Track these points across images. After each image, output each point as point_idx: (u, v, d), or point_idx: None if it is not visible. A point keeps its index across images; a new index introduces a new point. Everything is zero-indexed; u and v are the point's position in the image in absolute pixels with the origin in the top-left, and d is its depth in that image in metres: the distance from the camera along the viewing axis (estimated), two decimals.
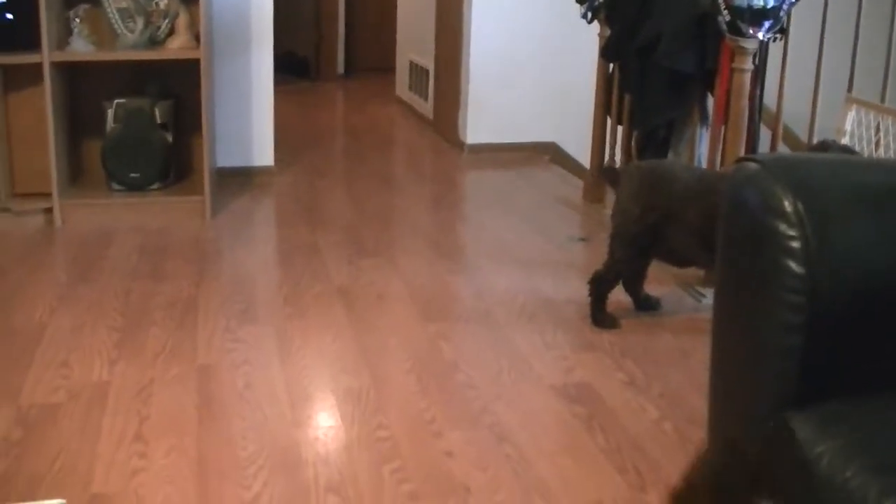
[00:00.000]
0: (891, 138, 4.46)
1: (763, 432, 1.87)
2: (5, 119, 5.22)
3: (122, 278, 4.40)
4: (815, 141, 4.51)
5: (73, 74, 5.30)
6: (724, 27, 4.07)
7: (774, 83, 4.53)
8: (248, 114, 6.01)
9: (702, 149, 4.80)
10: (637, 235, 3.90)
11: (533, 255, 4.84)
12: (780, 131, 4.67)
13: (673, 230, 3.82)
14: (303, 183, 6.21)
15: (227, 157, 5.93)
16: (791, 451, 1.78)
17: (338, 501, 2.72)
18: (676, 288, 4.40)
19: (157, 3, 5.25)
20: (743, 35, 4.04)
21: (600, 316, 3.96)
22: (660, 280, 4.33)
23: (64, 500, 2.67)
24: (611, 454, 2.98)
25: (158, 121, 5.26)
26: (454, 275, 4.62)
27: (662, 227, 3.84)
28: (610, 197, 4.26)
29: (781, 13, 4.02)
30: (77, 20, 5.10)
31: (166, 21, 5.28)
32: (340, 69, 10.72)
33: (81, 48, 5.12)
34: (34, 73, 4.91)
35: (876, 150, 4.55)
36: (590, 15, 5.34)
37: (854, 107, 4.65)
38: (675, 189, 3.83)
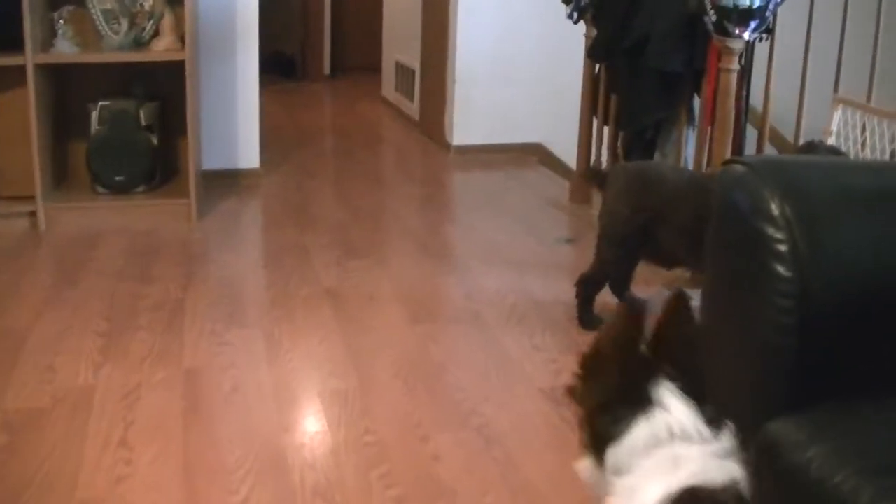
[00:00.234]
0: (877, 138, 4.46)
1: (754, 436, 1.86)
2: None
3: (108, 281, 4.37)
4: (801, 141, 4.51)
5: (57, 76, 5.27)
6: (711, 27, 4.06)
7: (761, 83, 4.52)
8: (234, 115, 5.99)
9: (689, 149, 4.79)
10: (624, 237, 3.89)
11: (521, 257, 4.84)
12: (767, 131, 4.66)
13: (660, 231, 3.81)
14: (290, 184, 6.20)
15: (213, 159, 5.90)
16: (782, 454, 1.78)
17: None
18: (664, 289, 4.39)
19: (141, 5, 5.22)
20: (729, 35, 4.04)
21: (588, 317, 3.95)
22: (647, 281, 4.32)
23: None
24: None
25: (143, 123, 5.24)
26: (442, 276, 4.62)
27: (650, 228, 3.83)
28: (597, 198, 4.25)
29: (767, 13, 4.02)
30: (61, 22, 5.07)
31: (151, 22, 5.25)
32: (327, 69, 10.70)
33: (66, 50, 5.09)
34: (18, 74, 4.87)
35: (862, 151, 4.55)
36: (576, 15, 5.33)
37: (840, 107, 4.65)
38: (662, 190, 3.82)
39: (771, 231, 1.88)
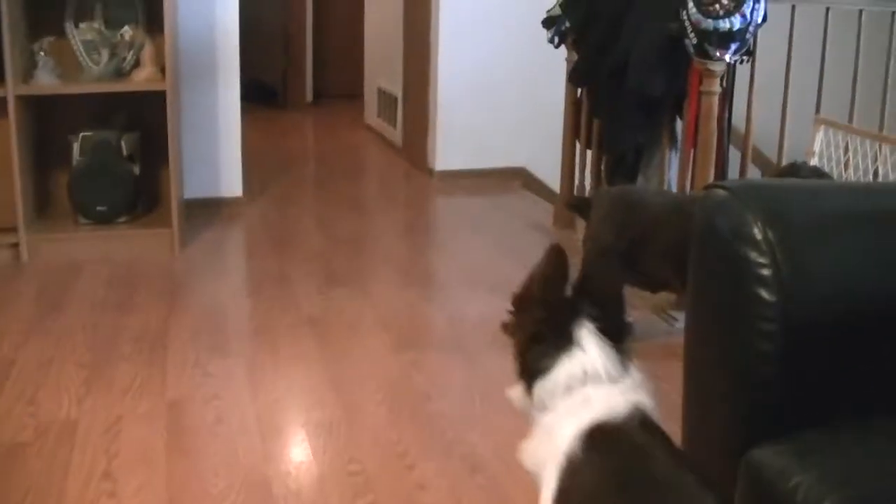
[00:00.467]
0: (860, 158, 4.48)
1: (738, 462, 1.85)
2: None
3: (91, 313, 4.35)
4: (784, 162, 4.52)
5: (38, 107, 5.25)
6: (692, 50, 4.07)
7: (743, 105, 4.53)
8: (215, 144, 5.98)
9: (672, 172, 4.79)
10: (608, 262, 3.88)
11: (504, 282, 4.77)
12: (750, 153, 4.67)
13: (644, 255, 3.81)
14: (272, 212, 6.18)
15: (195, 188, 5.89)
16: (766, 481, 1.76)
17: None
18: (648, 313, 4.38)
19: (122, 35, 5.22)
20: (710, 58, 4.05)
21: None
22: (632, 305, 4.31)
23: None
24: None
25: (125, 153, 5.21)
26: (425, 303, 4.61)
27: (634, 252, 3.83)
28: (581, 222, 4.25)
29: (748, 35, 4.03)
30: (42, 53, 5.05)
31: (132, 52, 5.24)
32: (309, 97, 10.69)
33: (47, 81, 5.07)
34: None
35: (845, 171, 4.56)
36: (557, 39, 5.34)
37: (823, 127, 4.67)
38: (645, 214, 3.83)
39: (754, 255, 1.88)
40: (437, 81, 6.93)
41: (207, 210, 5.91)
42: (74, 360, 3.84)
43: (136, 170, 5.30)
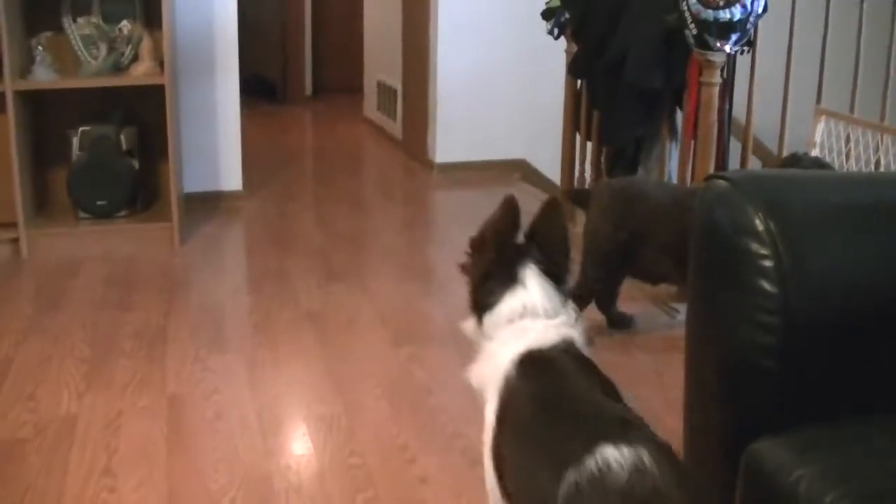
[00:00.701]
0: (861, 149, 4.46)
1: (740, 456, 1.85)
2: None
3: (90, 308, 4.34)
4: (785, 153, 4.50)
5: (36, 102, 5.24)
6: (692, 41, 4.05)
7: (743, 96, 4.51)
8: (214, 138, 5.97)
9: (672, 164, 4.78)
10: (609, 254, 3.88)
11: None
12: (751, 144, 4.65)
13: (645, 248, 3.80)
14: (272, 207, 6.17)
15: (194, 182, 5.88)
16: (767, 475, 1.75)
17: None
18: (649, 305, 4.37)
19: (120, 30, 5.21)
20: (710, 49, 4.03)
21: None
22: (633, 297, 4.31)
23: None
24: None
25: (124, 147, 5.21)
26: (425, 297, 4.60)
27: (634, 244, 3.82)
28: (581, 215, 4.24)
29: (748, 26, 4.01)
30: (40, 48, 5.04)
31: (130, 47, 5.23)
32: (308, 91, 10.67)
33: (45, 76, 5.06)
34: None
35: (846, 161, 4.55)
36: (556, 31, 5.32)
37: (823, 118, 4.65)
38: (646, 206, 3.81)
39: (755, 247, 1.87)
40: (437, 74, 6.92)
41: (207, 204, 5.90)
42: (74, 355, 3.83)
43: (136, 164, 5.29)
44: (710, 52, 4.04)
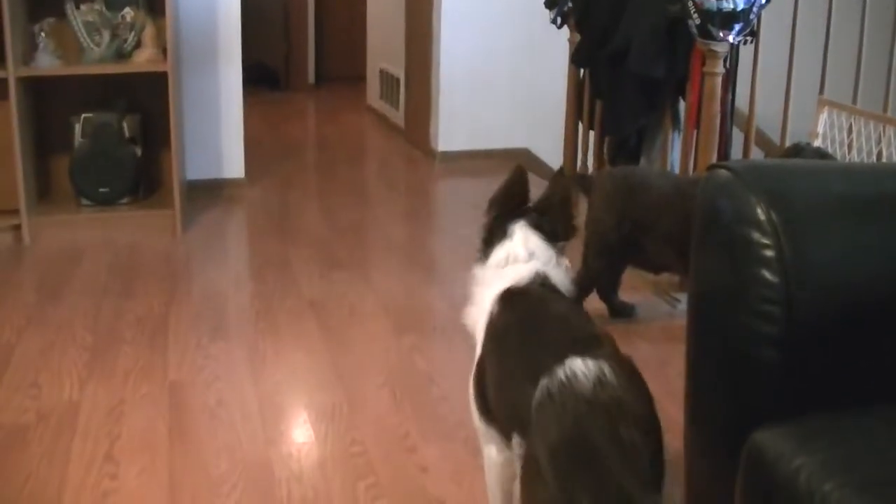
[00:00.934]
0: (863, 140, 4.46)
1: (741, 446, 1.85)
2: None
3: (92, 296, 4.34)
4: (788, 144, 4.50)
5: (39, 89, 5.24)
6: (695, 31, 4.05)
7: (746, 86, 4.51)
8: (217, 126, 5.97)
9: (674, 154, 4.78)
10: (610, 243, 3.88)
11: None
12: (753, 134, 4.65)
13: (646, 237, 3.80)
14: (274, 195, 6.17)
15: (197, 170, 5.88)
16: (768, 464, 1.76)
17: None
18: (651, 294, 4.37)
19: (123, 16, 5.20)
20: (713, 38, 4.02)
21: None
22: (635, 287, 4.31)
23: None
24: None
25: (127, 135, 5.21)
26: (427, 286, 4.60)
27: (636, 234, 3.82)
28: (583, 204, 4.25)
29: (751, 16, 4.00)
30: (42, 34, 5.04)
31: (133, 34, 5.23)
32: (311, 79, 10.68)
33: (47, 63, 5.06)
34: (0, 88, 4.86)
35: (849, 152, 4.54)
36: (559, 20, 5.32)
37: (826, 108, 4.65)
38: (648, 196, 3.82)
39: (757, 237, 1.87)
40: (440, 63, 6.92)
41: (209, 192, 5.90)
42: (76, 343, 3.84)
43: (138, 152, 5.30)
44: (713, 42, 4.04)
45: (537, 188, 2.58)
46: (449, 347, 3.85)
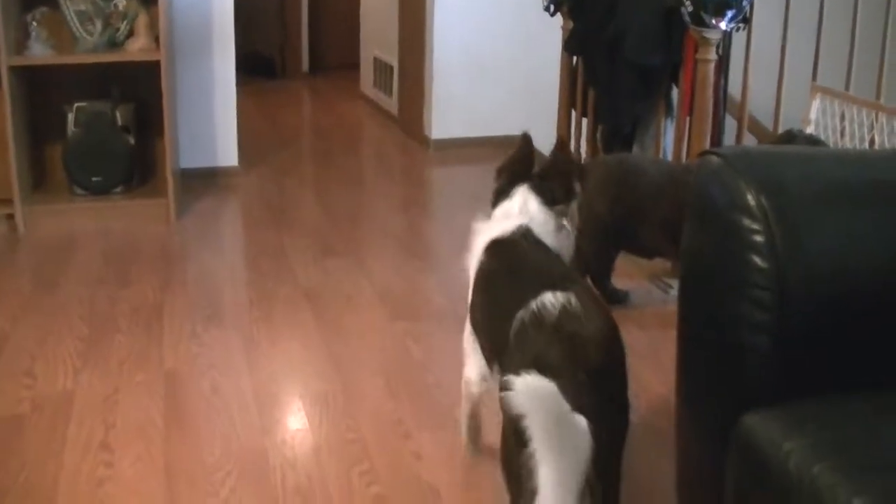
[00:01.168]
0: (856, 127, 4.46)
1: (731, 430, 1.86)
2: None
3: (87, 285, 4.35)
4: (781, 130, 4.51)
5: (32, 79, 5.24)
6: (688, 18, 4.05)
7: (739, 73, 4.52)
8: (211, 114, 5.97)
9: (667, 141, 4.79)
10: (604, 229, 3.89)
11: None
12: (746, 121, 4.66)
13: (640, 224, 3.81)
14: (268, 183, 6.17)
15: (191, 158, 5.88)
16: (759, 447, 1.77)
17: None
18: (644, 281, 4.38)
19: (115, 5, 5.20)
20: (706, 25, 4.03)
21: None
22: (628, 273, 4.32)
23: None
24: None
25: (120, 124, 5.21)
26: (422, 274, 4.61)
27: (629, 220, 3.83)
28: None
29: (744, 3, 4.01)
30: (35, 24, 5.04)
31: (125, 23, 5.23)
32: (305, 67, 10.67)
33: (40, 52, 5.06)
34: None
35: (841, 139, 4.55)
36: (552, 7, 5.31)
37: (819, 95, 4.65)
38: (641, 183, 3.83)
39: (747, 222, 1.87)
40: (433, 50, 6.91)
41: (203, 181, 5.90)
42: (71, 331, 3.84)
43: (132, 141, 5.30)
44: (706, 29, 4.04)
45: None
46: (444, 334, 3.85)
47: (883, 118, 4.40)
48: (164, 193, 5.24)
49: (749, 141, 4.95)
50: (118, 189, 5.32)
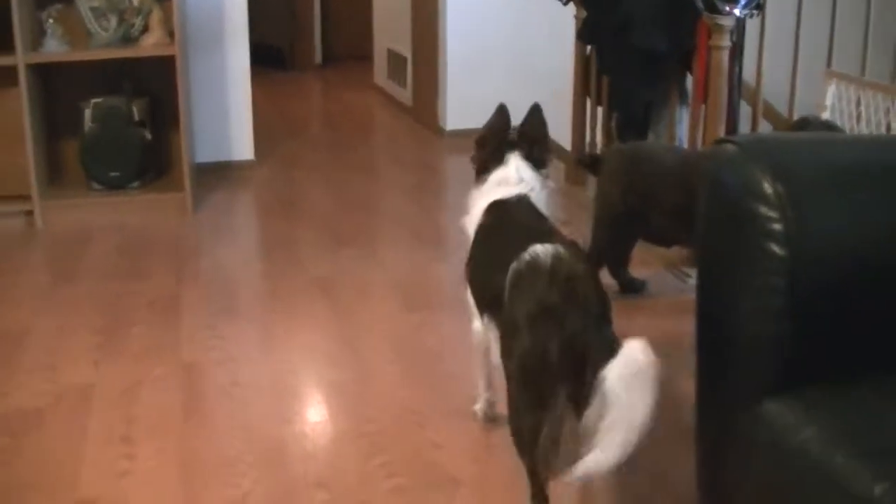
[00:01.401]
0: (871, 112, 4.46)
1: (750, 416, 1.86)
2: None
3: (105, 278, 4.37)
4: (796, 117, 4.50)
5: (48, 75, 5.26)
6: (701, 5, 4.05)
7: (753, 60, 4.51)
8: (225, 108, 5.98)
9: (682, 129, 4.78)
10: (618, 218, 3.89)
11: None
12: (761, 108, 4.65)
13: (655, 212, 3.81)
14: (282, 175, 6.18)
15: (206, 152, 5.90)
16: (777, 434, 1.77)
17: (326, 497, 2.71)
18: (661, 269, 4.38)
19: (130, 1, 5.22)
20: (720, 12, 4.02)
21: None
22: (645, 262, 4.32)
23: None
24: None
25: (136, 118, 5.23)
26: (436, 263, 4.61)
27: (644, 208, 3.83)
28: (592, 180, 4.24)
29: None
30: (50, 21, 5.06)
31: (140, 18, 5.24)
32: (318, 59, 10.66)
33: (55, 48, 5.08)
34: (9, 75, 4.87)
35: (857, 124, 4.54)
36: None
37: (834, 81, 4.65)
38: (656, 171, 3.82)
39: (763, 210, 1.87)
40: (447, 41, 6.91)
41: (218, 174, 5.91)
42: (90, 325, 3.86)
43: (147, 135, 5.31)
44: (720, 16, 4.04)
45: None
46: (458, 323, 3.85)
47: None
48: (180, 187, 5.26)
49: (764, 127, 4.95)
50: (134, 184, 5.34)
